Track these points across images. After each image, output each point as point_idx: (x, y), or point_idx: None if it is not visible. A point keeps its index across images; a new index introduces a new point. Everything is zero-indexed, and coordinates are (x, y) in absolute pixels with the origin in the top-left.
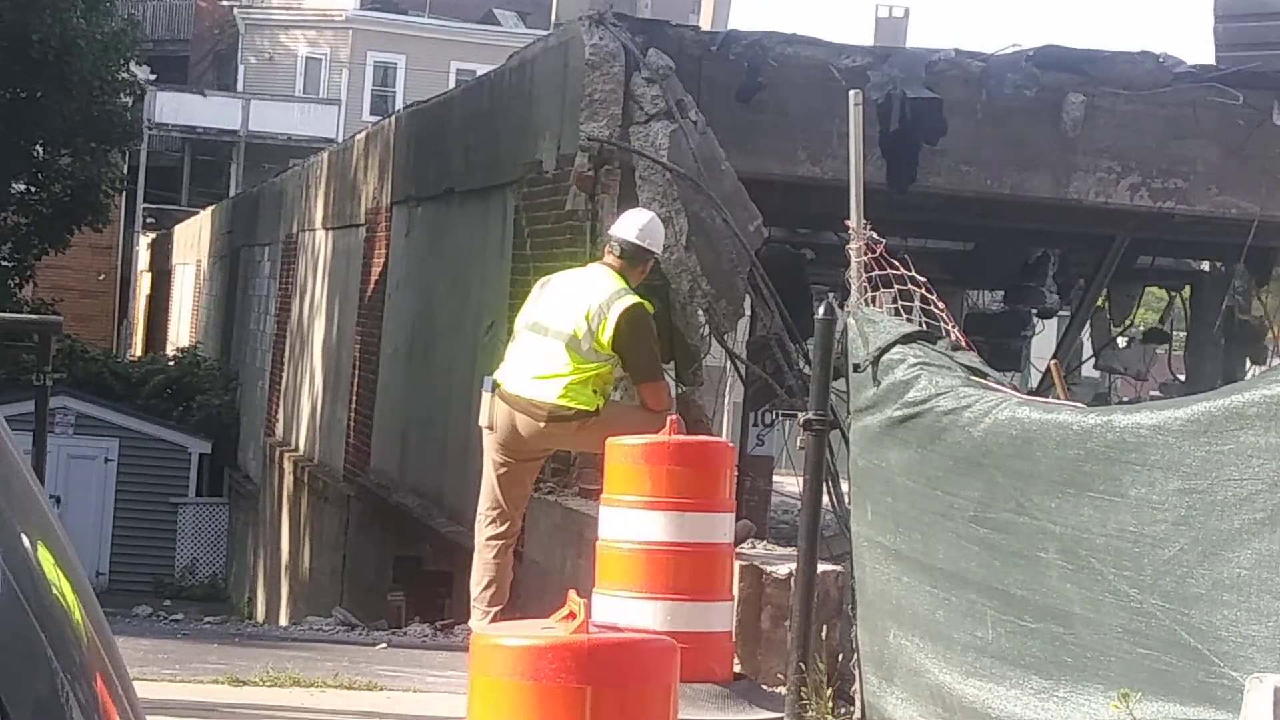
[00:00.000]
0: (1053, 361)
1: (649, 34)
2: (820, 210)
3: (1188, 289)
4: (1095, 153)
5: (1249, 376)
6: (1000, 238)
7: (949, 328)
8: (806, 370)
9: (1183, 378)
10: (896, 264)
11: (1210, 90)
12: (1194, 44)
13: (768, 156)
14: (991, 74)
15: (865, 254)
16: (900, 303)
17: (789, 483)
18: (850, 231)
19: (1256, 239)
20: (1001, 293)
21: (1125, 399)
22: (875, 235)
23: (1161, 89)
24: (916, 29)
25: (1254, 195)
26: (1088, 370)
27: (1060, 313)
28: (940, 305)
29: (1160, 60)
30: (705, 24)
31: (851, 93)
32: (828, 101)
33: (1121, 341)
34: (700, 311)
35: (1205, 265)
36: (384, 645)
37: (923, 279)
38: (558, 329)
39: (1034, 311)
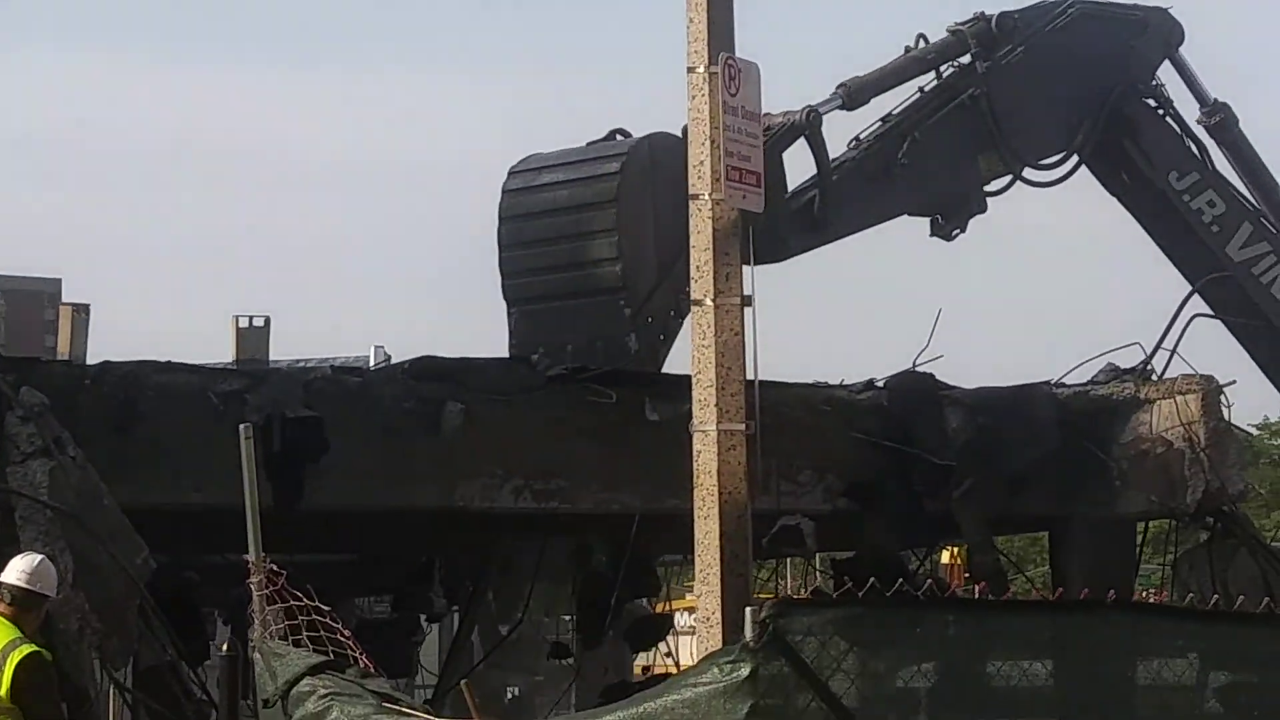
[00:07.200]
0: (464, 682)
1: (20, 371)
2: (206, 533)
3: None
4: (478, 459)
5: None
6: (386, 546)
7: (357, 655)
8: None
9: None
10: (299, 595)
11: (585, 390)
12: None
13: (151, 486)
14: (369, 389)
15: (267, 586)
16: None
17: None
18: (250, 565)
19: (640, 533)
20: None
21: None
22: (276, 568)
23: (536, 391)
24: (279, 336)
25: (635, 490)
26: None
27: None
28: (346, 633)
29: (534, 365)
30: (63, 353)
31: (241, 426)
32: (207, 427)
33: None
34: (93, 650)
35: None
36: None
37: (326, 609)
38: None
39: (423, 616)
